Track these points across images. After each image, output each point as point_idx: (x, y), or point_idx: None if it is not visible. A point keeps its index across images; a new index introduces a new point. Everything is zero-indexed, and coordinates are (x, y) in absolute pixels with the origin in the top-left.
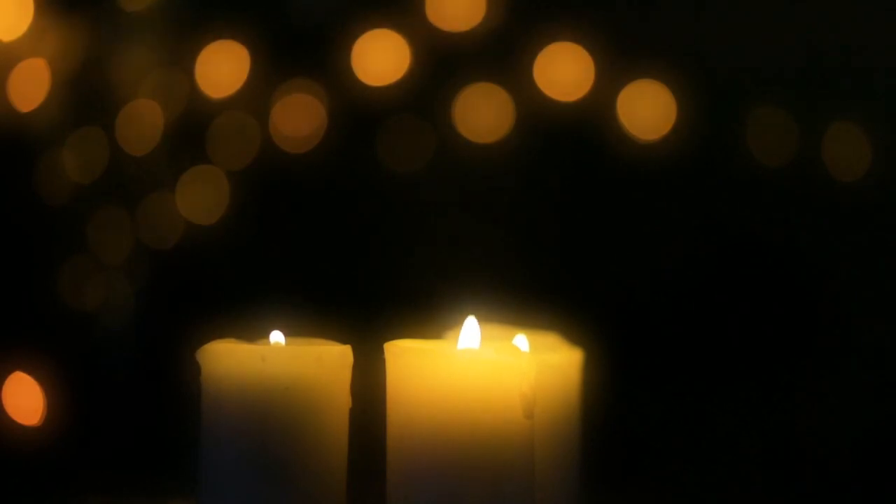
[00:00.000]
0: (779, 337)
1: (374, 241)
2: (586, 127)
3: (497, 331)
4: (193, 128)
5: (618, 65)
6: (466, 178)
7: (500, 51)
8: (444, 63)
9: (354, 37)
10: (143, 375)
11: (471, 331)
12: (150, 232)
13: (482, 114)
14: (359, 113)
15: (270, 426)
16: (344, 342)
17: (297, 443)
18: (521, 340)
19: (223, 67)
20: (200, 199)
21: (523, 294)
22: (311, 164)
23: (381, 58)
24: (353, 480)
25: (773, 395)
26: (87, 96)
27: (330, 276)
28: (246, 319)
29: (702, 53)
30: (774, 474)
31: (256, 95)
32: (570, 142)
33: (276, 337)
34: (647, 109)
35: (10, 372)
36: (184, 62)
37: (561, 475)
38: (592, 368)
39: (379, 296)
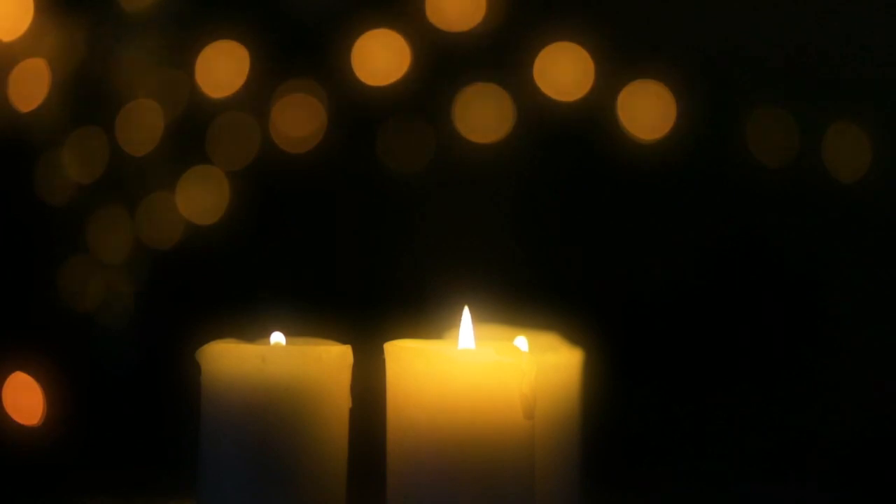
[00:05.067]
0: (779, 337)
1: (373, 241)
2: (586, 127)
3: (497, 331)
4: (193, 128)
5: (618, 65)
6: (466, 178)
7: (500, 51)
8: (444, 63)
9: (354, 37)
10: (143, 375)
11: (466, 324)
12: (150, 232)
13: (482, 114)
14: (359, 113)
15: (270, 426)
16: (344, 342)
17: (297, 443)
18: (521, 341)
19: (223, 67)
20: (200, 199)
21: (523, 294)
22: (311, 164)
23: (381, 58)
24: (353, 480)
25: (772, 394)
26: (87, 96)
27: (330, 276)
28: (246, 319)
29: (702, 53)
30: (775, 474)
31: (256, 95)
32: (570, 142)
33: (277, 338)
34: (647, 109)
35: (10, 372)
36: (184, 62)
37: (561, 475)
38: (592, 368)
39: (379, 296)
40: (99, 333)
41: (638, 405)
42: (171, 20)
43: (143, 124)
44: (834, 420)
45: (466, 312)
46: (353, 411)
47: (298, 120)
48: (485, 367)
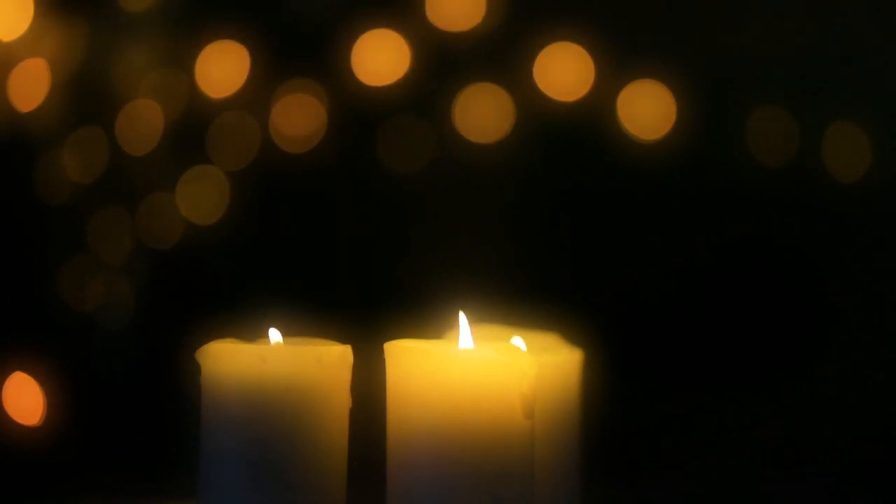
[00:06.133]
0: (779, 337)
1: (373, 241)
2: (586, 127)
3: (497, 331)
4: (193, 128)
5: (618, 65)
6: (466, 178)
7: (500, 51)
8: (444, 63)
9: (354, 37)
10: (143, 375)
11: (463, 327)
12: (150, 232)
13: (482, 114)
14: (359, 113)
15: (270, 426)
16: (344, 342)
17: (297, 443)
18: (520, 341)
19: (223, 67)
20: (200, 199)
21: (523, 294)
22: (311, 164)
23: (381, 58)
24: (353, 480)
25: (772, 395)
26: (87, 96)
27: (330, 276)
28: (246, 319)
29: (702, 53)
30: (774, 474)
31: (256, 95)
32: (570, 142)
33: (274, 335)
34: (647, 109)
35: (10, 372)
36: (184, 62)
37: (561, 475)
38: (592, 368)
39: (379, 296)
40: (99, 333)
41: (638, 405)
42: (171, 20)
43: (143, 124)
44: (834, 419)
45: (462, 317)
46: (353, 411)
47: (298, 120)
48: (485, 367)
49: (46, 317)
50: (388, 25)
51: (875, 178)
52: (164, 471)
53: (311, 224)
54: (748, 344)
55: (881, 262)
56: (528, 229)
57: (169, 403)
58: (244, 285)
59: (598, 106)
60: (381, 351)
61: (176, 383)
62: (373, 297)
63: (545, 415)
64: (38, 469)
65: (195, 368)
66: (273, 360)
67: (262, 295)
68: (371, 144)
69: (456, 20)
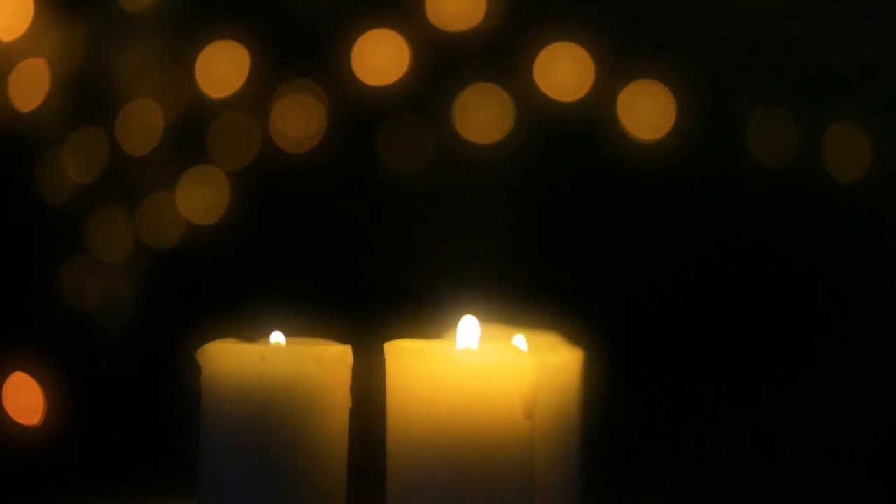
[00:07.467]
0: (779, 337)
1: (374, 241)
2: (586, 127)
3: (497, 331)
4: (193, 128)
5: (618, 65)
6: (466, 178)
7: (500, 51)
8: (444, 63)
9: (354, 37)
10: (143, 375)
11: (469, 329)
12: (150, 232)
13: (482, 114)
14: (359, 113)
15: (270, 426)
16: (344, 342)
17: (297, 443)
18: (521, 340)
19: (223, 67)
20: (200, 199)
21: (523, 294)
22: (311, 164)
23: (381, 58)
24: (353, 481)
25: (773, 395)
26: (87, 96)
27: (330, 276)
28: (246, 319)
29: (702, 53)
30: (774, 474)
31: (256, 95)
32: (570, 142)
33: (277, 337)
34: (647, 109)
35: (10, 372)
36: (184, 62)
37: (561, 475)
38: (592, 368)
39: (379, 296)
40: (99, 333)
41: (638, 405)
42: (171, 20)
43: (143, 124)
44: (834, 419)
45: (473, 320)
46: (353, 411)
47: (298, 120)
48: (485, 368)
49: (46, 317)
50: (388, 25)
51: (875, 178)
52: (164, 471)
53: (311, 224)
54: (749, 344)
55: (881, 261)
56: (528, 229)
57: (169, 403)
58: (244, 285)
59: (598, 106)
60: (381, 351)
61: (176, 383)
62: (373, 298)
63: (545, 415)
64: (38, 469)
65: (195, 368)
66: (273, 360)
67: (262, 295)
68: (371, 144)
69: (456, 20)
